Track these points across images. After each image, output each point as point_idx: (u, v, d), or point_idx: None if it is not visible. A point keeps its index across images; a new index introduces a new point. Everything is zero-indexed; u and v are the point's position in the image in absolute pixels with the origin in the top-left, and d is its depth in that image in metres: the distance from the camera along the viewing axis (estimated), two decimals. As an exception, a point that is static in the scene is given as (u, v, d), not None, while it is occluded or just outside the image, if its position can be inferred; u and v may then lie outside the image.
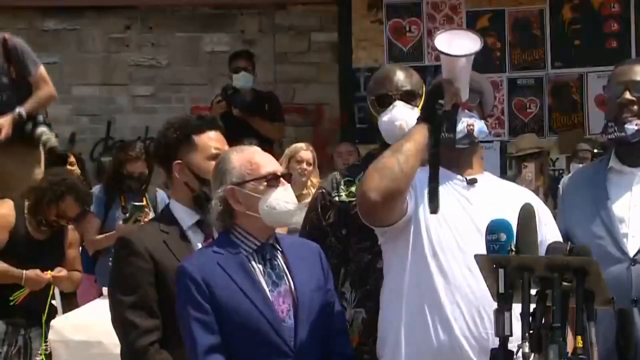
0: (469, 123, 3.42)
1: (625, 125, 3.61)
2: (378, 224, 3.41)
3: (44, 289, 6.14)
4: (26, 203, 6.15)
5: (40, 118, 6.83)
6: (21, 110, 6.72)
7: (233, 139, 6.07)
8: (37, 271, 6.04)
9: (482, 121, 3.49)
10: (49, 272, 6.09)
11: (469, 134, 3.42)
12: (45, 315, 6.10)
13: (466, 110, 3.43)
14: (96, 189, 7.53)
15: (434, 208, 3.27)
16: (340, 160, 8.21)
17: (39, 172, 6.85)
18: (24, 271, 6.02)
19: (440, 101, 3.28)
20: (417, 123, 3.35)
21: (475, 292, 3.24)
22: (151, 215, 6.95)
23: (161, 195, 7.24)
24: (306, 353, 3.34)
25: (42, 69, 6.88)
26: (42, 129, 6.79)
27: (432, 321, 3.31)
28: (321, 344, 3.41)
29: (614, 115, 3.65)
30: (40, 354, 6.10)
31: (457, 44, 3.30)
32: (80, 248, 7.36)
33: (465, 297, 3.29)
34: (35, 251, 6.11)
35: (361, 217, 3.40)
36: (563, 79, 9.15)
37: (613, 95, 3.67)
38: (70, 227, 6.40)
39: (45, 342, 6.05)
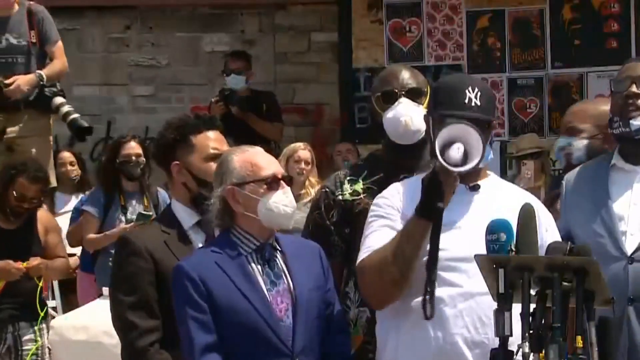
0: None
1: (631, 121, 3.60)
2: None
3: (31, 284, 6.06)
4: None
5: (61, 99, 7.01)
6: (42, 73, 6.87)
7: (233, 137, 6.05)
8: (9, 261, 5.96)
9: (488, 148, 3.36)
10: (24, 263, 6.02)
11: (474, 167, 3.37)
12: (42, 313, 6.06)
13: None
14: (94, 189, 7.50)
15: (428, 315, 3.21)
16: (340, 158, 8.21)
17: (50, 139, 7.25)
18: None
19: (440, 204, 3.17)
20: (415, 214, 3.23)
21: (476, 296, 3.23)
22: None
23: (163, 195, 7.17)
24: (304, 352, 3.34)
25: (60, 44, 7.20)
26: (68, 108, 7.10)
27: (432, 326, 3.30)
28: (320, 343, 3.41)
29: (620, 109, 3.65)
30: (33, 354, 6.04)
31: (457, 143, 3.16)
32: (81, 248, 7.37)
33: (466, 302, 3.29)
34: (6, 242, 6.04)
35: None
36: (563, 79, 9.15)
37: (619, 89, 3.67)
38: (42, 212, 6.34)
39: (38, 341, 6.01)
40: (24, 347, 6.07)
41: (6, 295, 6.02)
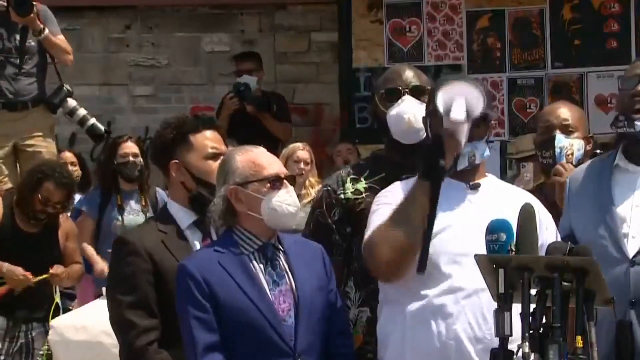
0: (470, 154, 3.40)
1: (636, 122, 3.60)
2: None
3: (48, 287, 6.10)
4: (14, 198, 6.12)
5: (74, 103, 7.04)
6: (47, 33, 7.01)
7: (244, 137, 6.05)
8: (19, 269, 5.97)
9: (484, 145, 3.46)
10: (43, 273, 6.03)
11: (471, 163, 3.42)
12: (51, 313, 6.07)
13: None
14: (91, 190, 7.49)
15: (421, 270, 3.24)
16: (340, 158, 8.19)
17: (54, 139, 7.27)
18: (5, 264, 5.96)
19: (442, 162, 3.23)
20: (417, 178, 3.31)
21: (479, 293, 3.24)
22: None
23: (161, 194, 7.17)
24: (307, 352, 3.34)
25: (62, 37, 7.26)
26: (83, 112, 7.17)
27: (435, 323, 3.31)
28: (322, 343, 3.42)
29: (625, 107, 3.63)
30: (43, 354, 6.07)
31: (459, 98, 3.24)
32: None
33: (468, 299, 3.29)
34: (27, 245, 6.06)
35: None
36: (563, 79, 9.14)
37: (626, 87, 3.65)
38: (64, 217, 6.35)
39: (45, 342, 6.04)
40: (36, 347, 6.10)
41: (22, 297, 6.03)
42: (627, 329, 3.09)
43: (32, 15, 6.88)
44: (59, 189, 6.08)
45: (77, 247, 6.47)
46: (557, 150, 4.40)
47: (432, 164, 3.24)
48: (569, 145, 4.41)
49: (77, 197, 7.97)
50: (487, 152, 3.47)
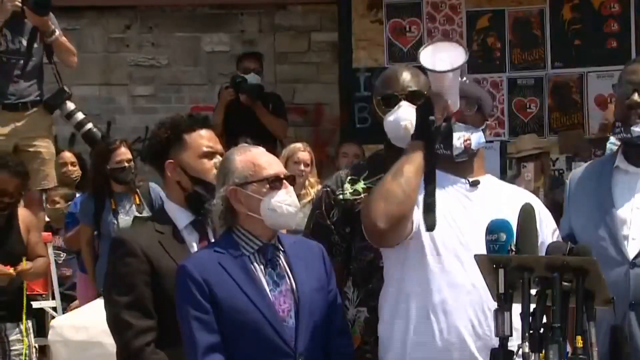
0: (465, 138, 3.42)
1: (632, 128, 3.59)
2: (386, 246, 3.43)
3: (15, 283, 6.03)
4: None
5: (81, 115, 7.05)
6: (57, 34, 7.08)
7: (238, 131, 6.05)
8: None
9: (479, 131, 3.48)
10: (12, 267, 5.96)
11: (466, 149, 3.43)
12: (25, 313, 6.01)
13: (460, 123, 3.42)
14: (80, 198, 7.48)
15: (430, 225, 3.29)
16: (346, 160, 8.13)
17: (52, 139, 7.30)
18: None
19: (432, 117, 3.29)
20: (411, 139, 3.37)
21: (479, 290, 3.24)
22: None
23: (155, 190, 7.13)
24: (307, 353, 3.34)
25: (64, 38, 7.33)
26: (81, 115, 7.19)
27: (436, 320, 3.31)
28: (322, 344, 3.41)
29: (622, 117, 3.63)
30: (20, 354, 6.02)
31: (442, 55, 3.31)
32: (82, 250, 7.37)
33: (469, 295, 3.30)
34: None
35: (369, 241, 3.44)
36: (563, 79, 9.14)
37: (622, 95, 3.64)
38: (22, 210, 6.32)
39: (24, 340, 5.98)
40: (12, 347, 6.05)
41: None
42: (621, 335, 3.08)
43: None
44: (13, 177, 6.06)
45: (40, 239, 6.42)
46: None
47: (423, 122, 3.32)
48: None
49: (77, 195, 7.99)
50: (482, 139, 3.49)
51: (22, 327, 6.02)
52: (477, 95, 3.53)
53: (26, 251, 6.14)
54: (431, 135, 3.32)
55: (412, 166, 3.28)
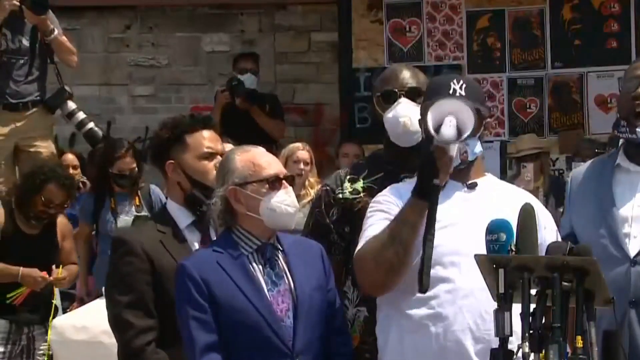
0: (463, 151, 3.37)
1: (637, 129, 3.58)
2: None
3: (46, 288, 6.11)
4: (13, 199, 6.13)
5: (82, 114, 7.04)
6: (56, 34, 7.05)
7: (235, 133, 6.05)
8: (36, 270, 6.01)
9: (477, 141, 3.41)
10: (49, 274, 6.06)
11: (463, 161, 3.39)
12: (52, 314, 6.08)
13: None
14: (82, 196, 7.48)
15: (422, 289, 3.22)
16: (347, 160, 8.13)
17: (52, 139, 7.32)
18: (20, 268, 5.99)
19: (436, 181, 3.20)
20: (411, 197, 3.26)
21: (476, 293, 3.23)
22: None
23: (155, 192, 7.15)
24: (305, 352, 3.34)
25: (65, 38, 7.35)
26: (82, 115, 7.19)
27: (433, 325, 3.30)
28: (321, 343, 3.41)
29: (627, 111, 3.62)
30: (44, 354, 6.08)
31: (447, 111, 3.20)
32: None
33: (466, 299, 3.29)
34: (29, 247, 6.07)
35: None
36: (563, 79, 9.14)
37: (626, 89, 3.64)
38: (61, 217, 6.36)
39: (46, 342, 6.04)
40: (36, 347, 6.10)
41: (24, 299, 6.05)
42: (616, 341, 3.07)
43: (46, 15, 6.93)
44: (61, 190, 6.10)
45: (73, 247, 6.48)
46: None
47: (426, 184, 3.21)
48: None
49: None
50: (479, 149, 3.42)
51: (47, 329, 6.06)
52: (475, 107, 3.44)
53: (60, 258, 6.19)
54: (434, 196, 3.21)
55: (411, 232, 3.23)
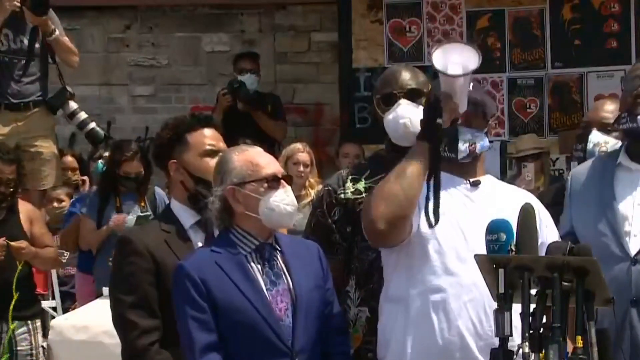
0: (471, 142, 3.42)
1: (638, 117, 3.60)
2: (385, 247, 3.44)
3: (4, 276, 5.97)
4: None
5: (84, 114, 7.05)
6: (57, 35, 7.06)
7: (236, 134, 6.05)
8: None
9: (484, 136, 3.49)
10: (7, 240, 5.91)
11: (471, 152, 3.43)
12: (16, 296, 5.94)
13: (465, 127, 3.42)
14: (92, 195, 7.47)
15: (432, 223, 3.30)
16: (347, 160, 8.12)
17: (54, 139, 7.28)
18: None
19: (439, 120, 3.27)
20: (417, 140, 3.35)
21: (480, 289, 3.24)
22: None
23: (159, 194, 7.17)
24: (304, 352, 3.34)
25: (66, 38, 7.34)
26: (84, 115, 7.19)
27: (437, 320, 3.31)
28: (320, 343, 3.42)
29: (628, 107, 3.65)
30: (30, 355, 6.01)
31: (454, 57, 3.29)
32: (79, 249, 7.36)
33: (470, 294, 3.30)
34: None
35: (369, 241, 3.46)
36: (563, 79, 9.14)
37: (629, 88, 3.66)
38: (23, 203, 6.29)
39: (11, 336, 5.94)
40: (18, 348, 6.03)
41: None
42: (606, 339, 3.07)
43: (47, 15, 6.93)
44: (6, 164, 6.04)
45: (45, 230, 6.37)
46: (590, 145, 4.40)
47: (430, 124, 3.29)
48: (604, 142, 4.39)
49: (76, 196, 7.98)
50: (486, 143, 3.49)
51: (30, 326, 6.00)
52: (483, 102, 3.52)
53: (31, 243, 6.11)
54: (437, 137, 3.29)
55: (415, 168, 3.28)
